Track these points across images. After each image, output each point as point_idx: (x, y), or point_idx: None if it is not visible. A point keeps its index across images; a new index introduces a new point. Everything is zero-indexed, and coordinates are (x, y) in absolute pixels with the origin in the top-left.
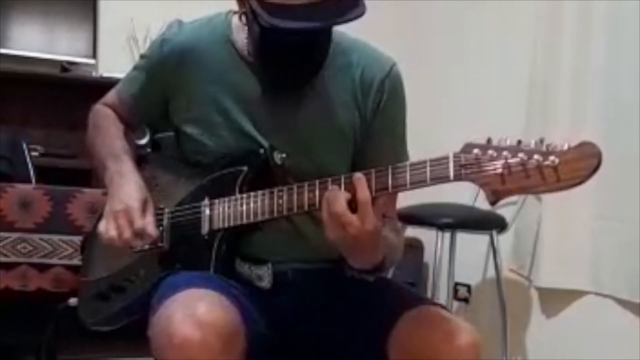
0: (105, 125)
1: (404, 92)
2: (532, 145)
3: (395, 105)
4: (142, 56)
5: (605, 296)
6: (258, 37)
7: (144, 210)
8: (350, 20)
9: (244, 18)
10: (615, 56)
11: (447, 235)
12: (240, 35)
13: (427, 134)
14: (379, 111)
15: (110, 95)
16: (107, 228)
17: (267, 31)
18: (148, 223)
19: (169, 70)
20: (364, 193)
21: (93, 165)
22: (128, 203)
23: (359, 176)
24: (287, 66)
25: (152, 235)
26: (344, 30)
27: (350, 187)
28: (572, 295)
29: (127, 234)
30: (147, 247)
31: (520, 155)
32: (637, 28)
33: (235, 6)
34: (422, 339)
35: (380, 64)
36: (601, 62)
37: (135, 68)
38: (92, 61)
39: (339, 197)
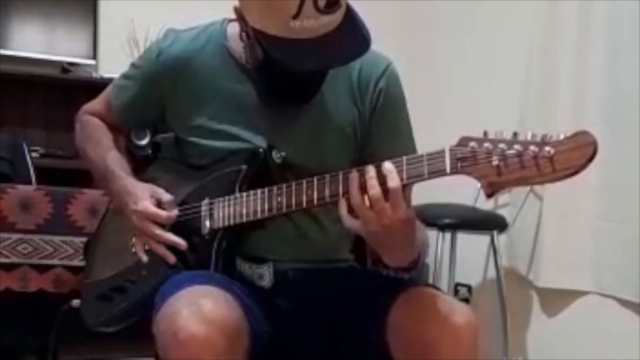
0: (96, 137)
1: (402, 90)
2: (528, 137)
3: (393, 104)
4: (134, 65)
5: (606, 296)
6: (262, 59)
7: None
8: (358, 57)
9: (244, 36)
10: (615, 56)
11: (448, 235)
12: (237, 43)
13: (426, 133)
14: (377, 110)
15: (97, 103)
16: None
17: (269, 57)
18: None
19: (166, 81)
20: (394, 181)
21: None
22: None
23: (388, 166)
24: (290, 87)
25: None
26: None
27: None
28: (573, 295)
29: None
30: (147, 247)
31: (516, 147)
32: (637, 26)
33: (227, 12)
34: (418, 320)
35: (377, 63)
36: (600, 62)
37: (126, 77)
38: (92, 62)
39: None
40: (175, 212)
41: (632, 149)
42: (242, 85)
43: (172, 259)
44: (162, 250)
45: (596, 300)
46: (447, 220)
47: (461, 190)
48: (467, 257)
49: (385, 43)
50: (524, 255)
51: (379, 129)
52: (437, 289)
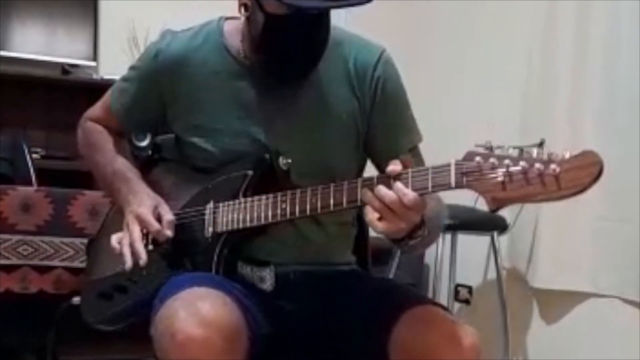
0: (100, 143)
1: (399, 75)
2: (534, 154)
3: (393, 89)
4: (132, 67)
5: (607, 296)
6: (261, 27)
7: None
8: (362, 3)
9: (243, 9)
10: (614, 55)
11: (448, 236)
12: (234, 39)
13: (426, 134)
14: (378, 99)
15: (97, 108)
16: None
17: (269, 19)
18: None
19: (165, 80)
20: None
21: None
22: (142, 217)
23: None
24: (287, 57)
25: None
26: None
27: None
28: (574, 296)
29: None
30: (150, 247)
31: (522, 163)
32: (637, 26)
33: (226, 12)
34: (423, 339)
35: (370, 52)
36: (600, 62)
37: (125, 79)
38: (92, 63)
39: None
40: (169, 232)
41: (632, 148)
42: (240, 81)
43: (128, 263)
44: (125, 250)
45: (597, 300)
46: (447, 221)
47: (461, 191)
48: (467, 258)
49: (385, 43)
50: (524, 256)
51: (383, 120)
52: (445, 308)
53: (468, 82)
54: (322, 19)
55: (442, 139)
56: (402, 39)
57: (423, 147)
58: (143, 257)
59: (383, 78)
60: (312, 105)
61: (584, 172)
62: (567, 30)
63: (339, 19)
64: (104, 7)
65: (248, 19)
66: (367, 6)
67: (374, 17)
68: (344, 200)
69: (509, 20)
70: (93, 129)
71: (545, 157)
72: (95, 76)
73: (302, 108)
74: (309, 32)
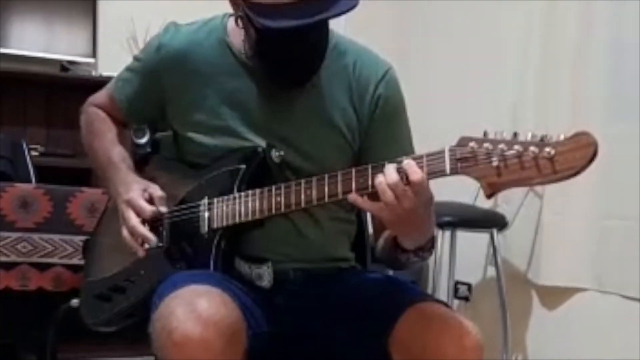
0: (101, 130)
1: (402, 95)
2: (529, 138)
3: (393, 111)
4: (136, 58)
5: (607, 293)
6: (255, 39)
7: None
8: (341, 14)
9: (240, 22)
10: (617, 52)
11: (448, 233)
12: (237, 37)
13: (422, 133)
14: (376, 117)
15: (102, 95)
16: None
17: (262, 33)
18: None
19: (166, 75)
20: (416, 174)
21: (94, 168)
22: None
23: (408, 161)
24: (285, 67)
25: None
26: (342, 33)
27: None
28: (573, 293)
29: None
30: (147, 245)
31: (516, 147)
32: (638, 24)
33: (226, 9)
34: (425, 336)
35: (376, 68)
36: (602, 58)
37: (129, 69)
38: (91, 60)
39: (392, 172)
40: (163, 209)
41: (632, 146)
42: (241, 81)
43: (141, 252)
44: (130, 240)
45: (596, 297)
46: (446, 219)
47: (461, 189)
48: (466, 255)
49: (383, 43)
50: (524, 253)
51: (378, 136)
52: (446, 305)
53: (467, 82)
54: (314, 27)
55: (440, 140)
56: (402, 39)
57: (420, 148)
58: (152, 238)
59: (385, 96)
60: (309, 109)
61: (578, 154)
62: (568, 31)
63: (339, 20)
64: (102, 4)
65: (244, 29)
66: (368, 7)
67: (374, 16)
68: (339, 190)
69: (509, 21)
70: (96, 115)
71: (539, 140)
72: (94, 73)
73: (299, 111)
74: (302, 43)
